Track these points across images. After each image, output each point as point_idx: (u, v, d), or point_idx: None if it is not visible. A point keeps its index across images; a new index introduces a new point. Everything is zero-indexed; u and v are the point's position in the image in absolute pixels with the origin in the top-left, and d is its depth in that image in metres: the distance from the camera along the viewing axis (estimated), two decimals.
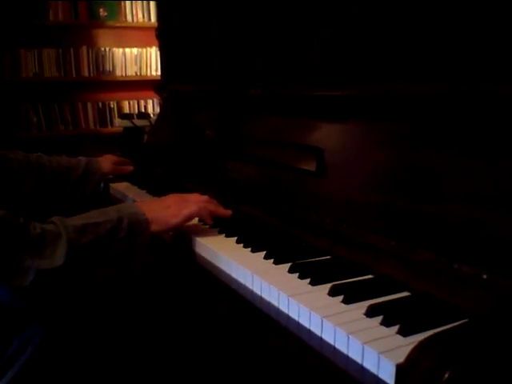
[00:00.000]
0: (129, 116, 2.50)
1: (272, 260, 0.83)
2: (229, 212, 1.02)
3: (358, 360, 0.58)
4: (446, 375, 0.46)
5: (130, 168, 1.57)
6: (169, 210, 0.96)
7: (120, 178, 1.56)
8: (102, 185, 1.51)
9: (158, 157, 1.66)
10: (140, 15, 3.97)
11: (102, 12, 3.87)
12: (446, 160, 0.75)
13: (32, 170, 1.37)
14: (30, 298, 0.80)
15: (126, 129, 2.37)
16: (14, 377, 0.84)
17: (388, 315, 0.62)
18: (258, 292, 0.77)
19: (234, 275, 0.84)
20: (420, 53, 0.83)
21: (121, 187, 1.47)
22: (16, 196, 1.35)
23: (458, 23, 0.76)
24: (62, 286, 0.82)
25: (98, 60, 3.95)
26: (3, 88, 3.65)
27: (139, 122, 2.25)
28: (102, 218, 0.87)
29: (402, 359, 0.52)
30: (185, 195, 1.02)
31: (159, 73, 1.97)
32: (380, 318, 0.62)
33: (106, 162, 1.52)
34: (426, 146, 0.79)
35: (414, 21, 0.84)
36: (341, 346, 0.60)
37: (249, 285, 0.80)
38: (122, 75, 4.03)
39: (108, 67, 3.98)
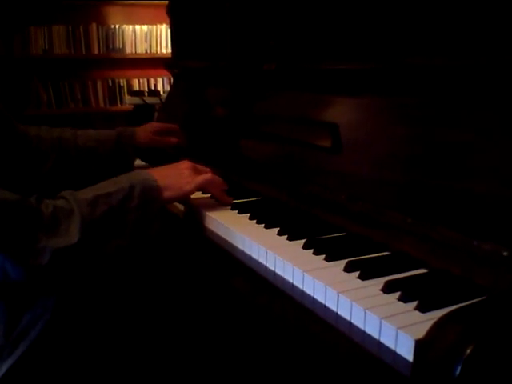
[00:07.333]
0: (139, 93, 2.49)
1: (286, 236, 0.82)
2: (231, 200, 1.01)
3: (375, 335, 0.57)
4: (468, 351, 0.45)
5: (173, 140, 1.35)
6: (182, 176, 0.94)
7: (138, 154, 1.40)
8: None
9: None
10: None
11: None
12: (465, 135, 0.73)
13: (54, 147, 1.26)
14: (45, 276, 0.79)
15: (136, 106, 2.35)
16: (24, 352, 0.84)
17: (406, 291, 0.61)
18: (272, 267, 0.76)
19: (247, 251, 0.83)
20: (437, 26, 0.81)
21: None
22: (35, 175, 1.26)
23: None
24: (77, 262, 0.81)
25: (108, 37, 3.92)
26: (13, 65, 3.65)
27: (150, 100, 2.24)
28: (113, 187, 0.86)
29: (420, 335, 0.51)
30: (197, 165, 1.01)
31: (169, 50, 1.95)
32: (397, 294, 0.61)
33: (144, 131, 1.33)
34: (445, 121, 0.77)
35: None
36: (357, 322, 0.60)
37: (262, 260, 0.79)
38: (132, 53, 4.01)
39: (118, 44, 3.96)
